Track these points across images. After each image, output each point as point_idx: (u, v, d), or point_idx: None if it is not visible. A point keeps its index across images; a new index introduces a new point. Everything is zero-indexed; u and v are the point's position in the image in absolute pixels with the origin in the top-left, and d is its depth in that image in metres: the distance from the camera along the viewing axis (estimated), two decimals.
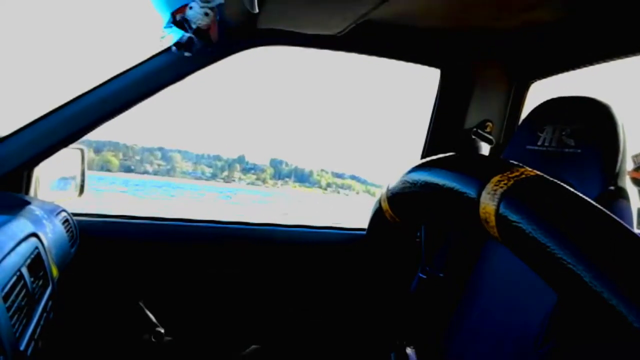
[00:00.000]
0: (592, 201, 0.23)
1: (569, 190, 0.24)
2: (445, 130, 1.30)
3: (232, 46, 1.10)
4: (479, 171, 0.28)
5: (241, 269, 1.24)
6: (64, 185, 1.15)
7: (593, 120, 0.81)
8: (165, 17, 1.00)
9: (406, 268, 1.00)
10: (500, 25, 1.09)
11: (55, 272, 0.81)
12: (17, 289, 0.61)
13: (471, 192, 0.27)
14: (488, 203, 0.26)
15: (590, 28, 1.03)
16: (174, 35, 1.05)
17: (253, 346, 1.28)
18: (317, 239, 1.31)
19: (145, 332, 1.18)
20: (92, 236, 1.13)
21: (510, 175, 0.26)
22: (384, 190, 0.38)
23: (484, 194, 0.26)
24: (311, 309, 1.29)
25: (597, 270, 0.21)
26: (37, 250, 0.72)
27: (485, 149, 1.28)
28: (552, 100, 0.90)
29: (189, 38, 0.96)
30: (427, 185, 0.31)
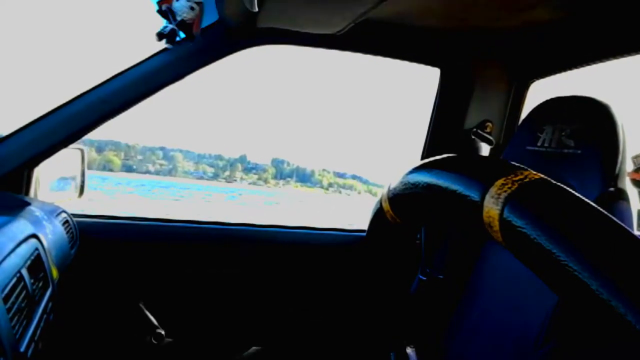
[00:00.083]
0: (597, 207, 0.23)
1: (574, 194, 0.24)
2: (445, 130, 1.30)
3: (232, 45, 1.10)
4: (482, 174, 0.28)
5: (242, 270, 1.24)
6: (64, 186, 1.15)
7: (593, 121, 0.81)
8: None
9: (406, 269, 1.00)
10: (500, 25, 1.09)
11: (55, 273, 0.81)
12: (17, 290, 0.61)
13: (474, 196, 0.27)
14: (492, 207, 0.26)
15: (590, 27, 1.03)
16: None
17: (254, 347, 1.28)
18: (317, 240, 1.31)
19: (145, 333, 1.18)
20: (92, 237, 1.13)
21: (514, 179, 0.26)
22: (384, 190, 0.38)
23: (487, 197, 0.26)
24: (311, 310, 1.29)
25: (604, 279, 0.20)
26: (37, 252, 0.72)
27: (485, 149, 1.28)
28: (552, 100, 0.90)
29: (172, 30, 0.96)
30: (429, 186, 0.31)
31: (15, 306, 0.60)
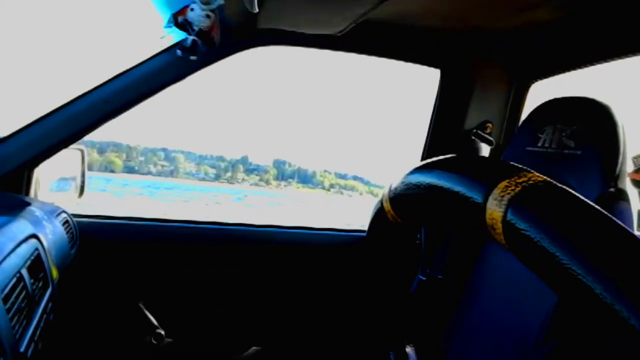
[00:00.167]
0: (601, 209, 0.23)
1: (578, 197, 0.24)
2: (445, 130, 1.30)
3: (232, 46, 1.10)
4: (485, 176, 0.27)
5: (241, 270, 1.24)
6: (64, 186, 1.15)
7: (593, 121, 0.81)
8: (166, 17, 1.00)
9: (406, 269, 1.00)
10: (500, 25, 1.09)
11: (55, 273, 0.81)
12: (17, 290, 0.61)
13: (477, 198, 0.27)
14: (495, 209, 0.26)
15: (591, 28, 1.03)
16: (174, 35, 1.05)
17: (253, 348, 1.28)
18: (317, 240, 1.31)
19: (145, 333, 1.18)
20: (92, 237, 1.13)
21: (517, 181, 0.25)
22: (385, 190, 0.38)
23: (490, 199, 0.26)
24: (311, 310, 1.29)
25: (608, 282, 0.20)
26: (37, 252, 0.72)
27: (485, 150, 1.28)
28: (552, 101, 0.90)
29: (193, 41, 0.96)
30: (431, 187, 0.31)
31: (15, 306, 0.60)
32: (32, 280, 0.67)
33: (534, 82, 1.26)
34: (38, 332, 0.67)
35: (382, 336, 1.07)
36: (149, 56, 1.06)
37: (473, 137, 1.26)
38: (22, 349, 0.60)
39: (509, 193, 0.25)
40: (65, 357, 1.13)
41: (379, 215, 0.39)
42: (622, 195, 0.77)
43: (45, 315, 0.72)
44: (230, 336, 1.26)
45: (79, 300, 1.14)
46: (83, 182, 1.17)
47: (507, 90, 1.27)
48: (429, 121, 1.33)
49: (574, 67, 1.14)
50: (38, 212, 0.86)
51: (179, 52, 0.99)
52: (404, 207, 0.36)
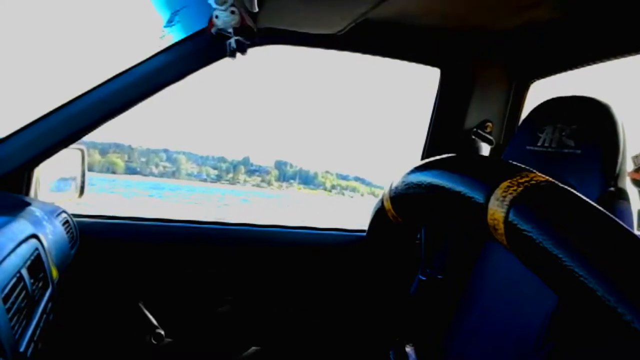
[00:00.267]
0: (604, 210, 0.23)
1: (580, 198, 0.24)
2: (445, 130, 1.30)
3: None
4: (487, 175, 0.27)
5: (241, 270, 1.24)
6: (64, 186, 1.15)
7: (593, 121, 0.81)
8: (166, 16, 1.00)
9: (406, 269, 1.00)
10: (500, 25, 1.09)
11: (55, 273, 0.81)
12: (17, 290, 0.61)
13: (479, 198, 0.27)
14: (497, 210, 0.25)
15: (590, 27, 1.03)
16: (174, 35, 1.05)
17: (253, 348, 1.28)
18: (317, 240, 1.31)
19: (145, 333, 1.18)
20: (92, 237, 1.13)
21: (519, 181, 0.25)
22: (386, 189, 0.37)
23: (492, 199, 0.26)
24: (311, 310, 1.29)
25: (611, 285, 0.20)
26: (37, 252, 0.72)
27: (485, 149, 1.28)
28: (552, 100, 0.90)
29: (237, 41, 0.97)
30: (432, 187, 0.31)
31: (15, 306, 0.60)
32: (32, 280, 0.67)
33: (533, 82, 1.26)
34: (38, 332, 0.67)
35: (382, 336, 1.07)
36: (148, 56, 1.06)
37: (473, 137, 1.26)
38: (21, 349, 0.60)
39: (511, 193, 0.25)
40: (65, 357, 1.13)
41: (380, 214, 0.39)
42: (622, 195, 0.77)
43: (45, 315, 0.72)
44: (230, 336, 1.26)
45: (79, 300, 1.14)
46: (83, 182, 1.17)
47: (507, 89, 1.27)
48: (429, 120, 1.33)
49: (573, 66, 1.14)
50: (38, 212, 0.86)
51: (229, 58, 1.00)
52: (404, 206, 0.36)
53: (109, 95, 1.03)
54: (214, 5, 0.92)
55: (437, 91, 1.30)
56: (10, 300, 0.59)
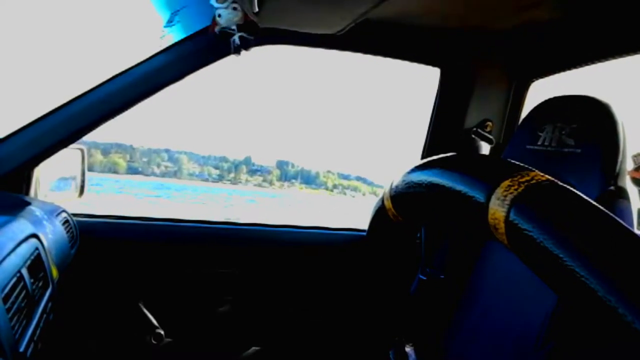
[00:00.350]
0: (606, 210, 0.23)
1: (581, 197, 0.23)
2: (445, 129, 1.30)
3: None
4: (488, 175, 0.27)
5: (241, 270, 1.24)
6: (64, 186, 1.15)
7: (593, 120, 0.81)
8: (166, 16, 1.00)
9: (407, 268, 1.00)
10: (500, 25, 1.09)
11: (55, 273, 0.81)
12: (17, 290, 0.61)
13: (480, 197, 0.26)
14: (497, 209, 0.25)
15: (590, 27, 1.03)
16: (174, 35, 1.05)
17: (253, 348, 1.28)
18: (317, 240, 1.31)
19: (145, 333, 1.18)
20: (92, 237, 1.13)
21: (520, 180, 0.25)
22: (387, 188, 0.37)
23: (493, 199, 0.26)
24: (311, 310, 1.29)
25: (612, 285, 0.20)
26: (37, 251, 0.72)
27: (485, 148, 1.28)
28: (552, 99, 0.90)
29: (240, 37, 0.96)
30: (433, 186, 0.30)
31: (15, 306, 0.60)
32: (32, 280, 0.67)
33: (533, 81, 1.26)
34: (38, 332, 0.67)
35: (382, 335, 1.07)
36: (148, 56, 1.06)
37: (473, 136, 1.26)
38: (21, 349, 0.60)
39: (512, 192, 0.25)
40: (65, 357, 1.13)
41: (380, 213, 0.39)
42: (622, 194, 0.77)
43: (45, 315, 0.72)
44: (230, 336, 1.26)
45: (79, 300, 1.14)
46: (83, 182, 1.17)
47: (506, 88, 1.27)
48: (429, 120, 1.33)
49: (573, 65, 1.14)
50: (38, 212, 0.86)
51: (234, 55, 1.00)
52: (405, 205, 0.36)
53: (109, 95, 1.03)
54: (216, 5, 0.91)
55: (437, 90, 1.31)
56: (10, 300, 0.59)
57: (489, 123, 1.27)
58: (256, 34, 0.98)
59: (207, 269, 1.22)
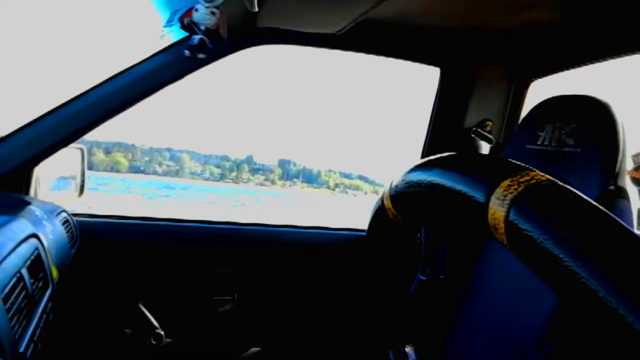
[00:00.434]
0: (606, 211, 0.22)
1: (582, 197, 0.23)
2: (445, 129, 1.30)
3: (231, 45, 1.10)
4: (488, 174, 0.27)
5: (242, 270, 1.24)
6: (64, 185, 1.15)
7: (592, 119, 0.81)
8: (165, 16, 1.00)
9: (407, 268, 1.00)
10: (500, 25, 1.09)
11: (55, 273, 0.81)
12: (17, 290, 0.61)
13: (480, 197, 0.26)
14: (497, 209, 0.25)
15: (590, 27, 1.03)
16: (174, 34, 1.05)
17: (253, 348, 1.28)
18: (317, 240, 1.31)
19: (145, 333, 1.18)
20: (92, 237, 1.13)
21: (520, 180, 0.25)
22: (386, 187, 0.37)
23: (493, 199, 0.25)
24: (311, 310, 1.29)
25: (613, 286, 0.20)
26: (37, 252, 0.72)
27: (485, 148, 1.28)
28: (552, 99, 0.90)
29: (201, 40, 0.96)
30: (432, 185, 0.30)
31: (15, 306, 0.60)
32: (32, 280, 0.67)
33: (533, 81, 1.26)
34: (38, 332, 0.67)
35: (382, 336, 1.07)
36: (148, 55, 1.06)
37: (473, 135, 1.27)
38: (21, 349, 0.60)
39: (512, 192, 0.25)
40: (65, 357, 1.12)
41: (380, 213, 0.39)
42: (622, 194, 0.77)
43: (45, 315, 0.72)
44: (230, 336, 1.26)
45: (79, 300, 1.14)
46: (83, 181, 1.17)
47: (506, 88, 1.27)
48: (428, 119, 1.33)
49: (573, 65, 1.14)
50: (38, 212, 0.86)
51: (187, 52, 0.98)
52: (404, 205, 0.35)
53: (109, 94, 1.03)
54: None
55: (437, 90, 1.31)
56: (10, 300, 0.58)
57: (489, 123, 1.27)
58: (219, 45, 0.98)
59: (207, 269, 1.22)
